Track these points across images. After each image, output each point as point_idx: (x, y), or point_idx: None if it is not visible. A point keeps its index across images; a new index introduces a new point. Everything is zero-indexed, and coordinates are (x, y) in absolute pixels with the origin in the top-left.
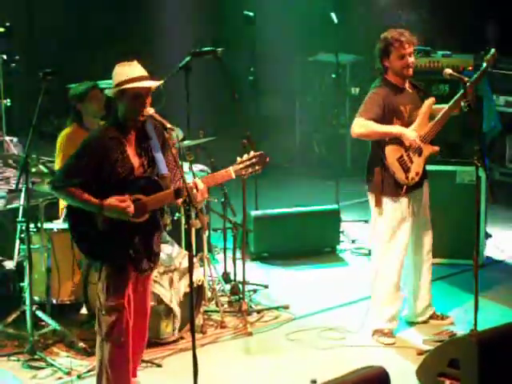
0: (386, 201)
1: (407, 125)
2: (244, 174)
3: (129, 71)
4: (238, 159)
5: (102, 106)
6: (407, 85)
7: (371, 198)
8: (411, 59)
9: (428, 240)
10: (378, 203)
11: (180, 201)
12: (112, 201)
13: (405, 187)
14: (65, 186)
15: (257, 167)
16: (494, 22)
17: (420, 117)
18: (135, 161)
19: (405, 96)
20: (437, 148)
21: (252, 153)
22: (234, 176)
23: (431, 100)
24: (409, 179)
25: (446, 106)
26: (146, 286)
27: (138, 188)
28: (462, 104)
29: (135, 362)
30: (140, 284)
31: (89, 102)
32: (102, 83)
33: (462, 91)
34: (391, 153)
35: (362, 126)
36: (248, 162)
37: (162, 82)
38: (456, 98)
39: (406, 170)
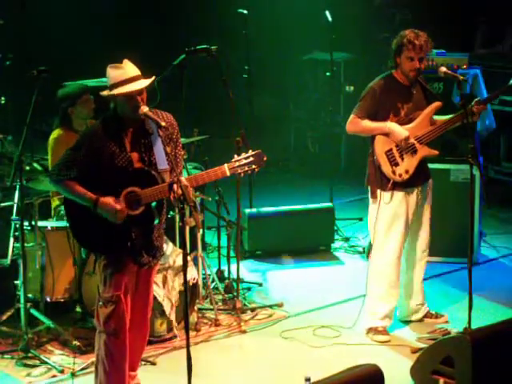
0: (379, 194)
1: (404, 123)
2: (240, 173)
3: (120, 73)
4: (235, 157)
5: (92, 109)
6: (415, 85)
7: (369, 191)
8: (418, 64)
9: (424, 240)
10: (373, 195)
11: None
12: (108, 199)
13: (391, 182)
14: (61, 178)
15: (254, 166)
16: (484, 22)
17: (421, 117)
18: (133, 154)
19: (406, 94)
20: (435, 152)
21: (250, 151)
22: (228, 174)
23: (436, 104)
24: (395, 174)
25: (446, 118)
26: (149, 282)
27: (133, 181)
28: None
29: (136, 357)
30: (142, 279)
31: (81, 105)
32: (91, 82)
33: (462, 111)
34: (380, 144)
35: (353, 123)
36: (245, 161)
37: (152, 79)
38: (457, 114)
39: (394, 165)
